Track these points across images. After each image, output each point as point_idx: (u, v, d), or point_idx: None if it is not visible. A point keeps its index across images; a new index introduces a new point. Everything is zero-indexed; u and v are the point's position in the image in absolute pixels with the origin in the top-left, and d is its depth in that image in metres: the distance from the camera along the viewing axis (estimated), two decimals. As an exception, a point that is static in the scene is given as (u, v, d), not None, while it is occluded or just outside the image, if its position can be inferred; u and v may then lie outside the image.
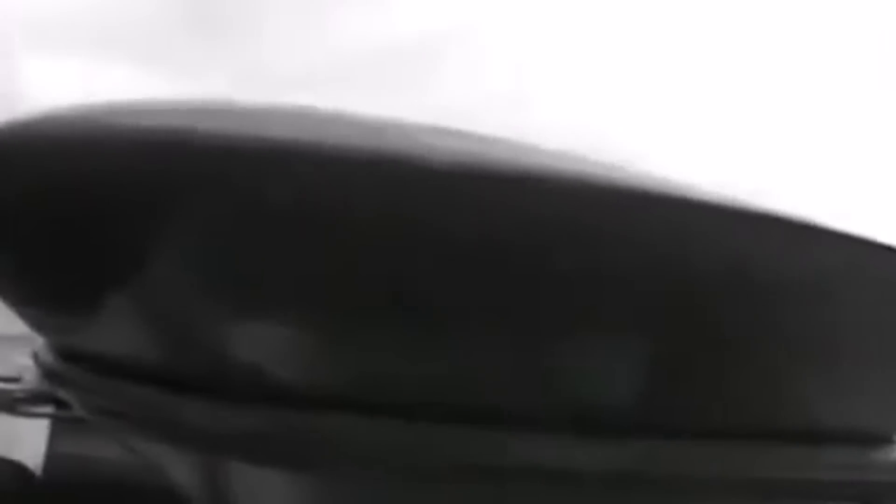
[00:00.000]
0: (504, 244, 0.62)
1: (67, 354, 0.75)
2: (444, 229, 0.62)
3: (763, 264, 0.66)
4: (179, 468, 0.75)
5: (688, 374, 0.67)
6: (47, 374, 0.79)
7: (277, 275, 0.62)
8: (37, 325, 0.75)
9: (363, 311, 0.64)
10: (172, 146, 0.61)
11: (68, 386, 0.78)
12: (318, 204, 0.61)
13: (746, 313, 0.66)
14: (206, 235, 0.62)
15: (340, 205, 0.61)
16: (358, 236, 0.61)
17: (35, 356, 0.80)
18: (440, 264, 0.62)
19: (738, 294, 0.66)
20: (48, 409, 1.18)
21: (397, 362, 0.65)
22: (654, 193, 0.64)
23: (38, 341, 0.80)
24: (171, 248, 0.64)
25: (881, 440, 0.75)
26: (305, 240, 0.61)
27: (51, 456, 1.20)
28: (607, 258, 0.63)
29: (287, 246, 0.62)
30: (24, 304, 0.71)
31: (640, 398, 0.67)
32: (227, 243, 0.62)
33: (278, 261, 0.62)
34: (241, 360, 0.66)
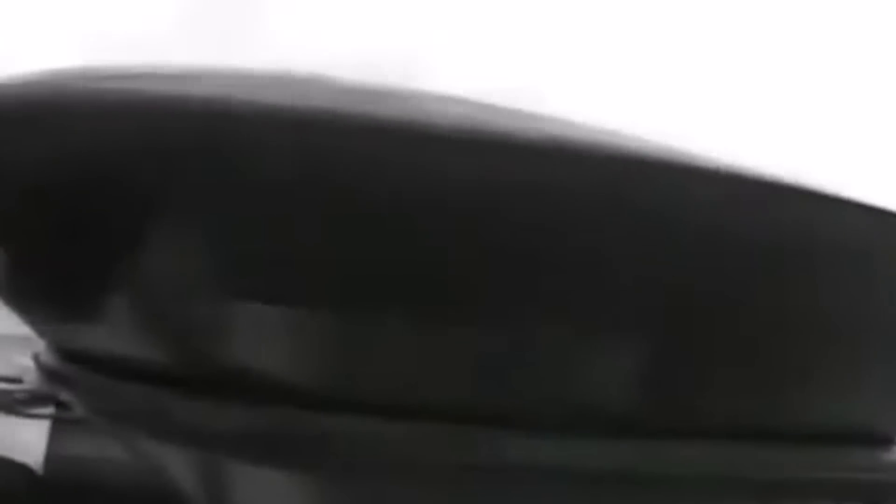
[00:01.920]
0: (510, 219, 0.60)
1: (68, 355, 0.75)
2: (456, 203, 0.60)
3: (784, 241, 0.64)
4: (180, 468, 0.75)
5: (689, 373, 0.67)
6: (48, 374, 0.79)
7: (275, 256, 0.61)
8: (36, 324, 0.75)
9: (362, 294, 0.62)
10: (165, 113, 0.59)
11: (69, 387, 0.78)
12: (316, 175, 0.59)
13: (756, 301, 0.65)
14: (202, 209, 0.61)
15: (340, 175, 0.59)
16: (361, 211, 0.60)
17: (36, 357, 0.80)
18: (447, 242, 0.61)
19: (751, 278, 0.64)
20: (49, 410, 1.18)
21: (398, 359, 0.65)
22: (676, 163, 0.62)
23: (39, 342, 0.80)
24: (165, 226, 0.62)
25: (884, 440, 0.75)
26: (303, 215, 0.60)
27: (51, 457, 1.20)
28: (617, 235, 0.61)
29: (284, 223, 0.60)
30: (20, 301, 0.71)
31: (639, 397, 0.67)
32: (221, 219, 0.61)
33: (275, 241, 0.61)
34: (240, 359, 0.66)
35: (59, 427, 1.19)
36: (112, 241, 0.63)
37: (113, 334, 0.69)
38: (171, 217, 0.61)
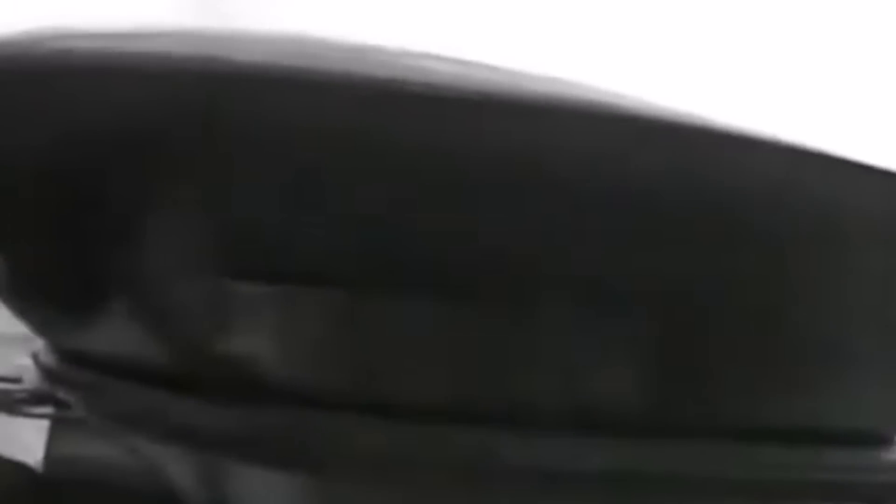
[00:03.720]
0: (512, 192, 0.57)
1: (67, 355, 0.75)
2: (458, 170, 0.57)
3: (794, 218, 0.61)
4: (179, 469, 0.75)
5: (690, 372, 0.67)
6: (47, 374, 0.79)
7: (272, 234, 0.59)
8: (35, 324, 0.75)
9: (356, 270, 0.60)
10: (160, 77, 0.55)
11: (69, 387, 0.78)
12: (312, 138, 0.56)
13: (760, 291, 0.64)
14: (195, 182, 0.58)
15: (343, 138, 0.56)
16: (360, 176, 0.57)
17: (35, 357, 0.80)
18: (449, 214, 0.58)
19: (757, 264, 0.62)
20: (48, 410, 1.18)
21: (398, 356, 0.64)
22: (682, 123, 0.58)
23: (39, 341, 0.80)
24: (164, 199, 0.59)
25: (884, 440, 0.75)
26: (301, 185, 0.57)
27: (50, 457, 1.19)
28: (621, 209, 0.58)
29: (279, 193, 0.58)
30: (19, 300, 0.71)
31: (639, 397, 0.67)
32: (215, 194, 0.58)
33: (271, 215, 0.58)
34: (239, 358, 0.65)
35: (59, 427, 1.19)
36: (109, 223, 0.61)
37: (112, 333, 0.69)
38: (168, 188, 0.59)
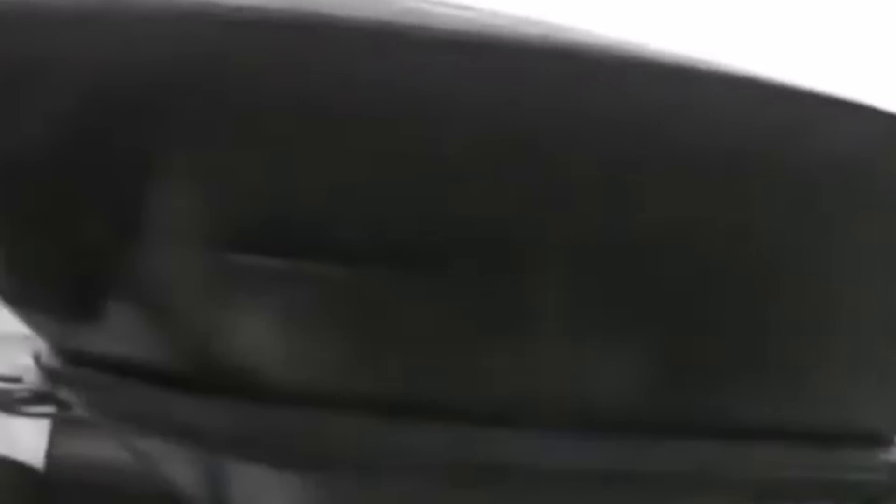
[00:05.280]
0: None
1: (69, 355, 0.75)
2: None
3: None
4: (180, 468, 0.75)
5: (690, 372, 0.67)
6: (48, 374, 0.79)
7: (274, 210, 0.57)
8: (35, 323, 0.75)
9: (355, 247, 0.58)
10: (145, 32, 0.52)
11: (70, 386, 0.78)
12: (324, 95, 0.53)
13: (761, 284, 0.63)
14: (197, 152, 0.55)
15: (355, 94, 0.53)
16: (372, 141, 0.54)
17: (36, 356, 0.80)
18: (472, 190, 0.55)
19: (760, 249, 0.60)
20: (49, 410, 1.18)
21: (398, 354, 0.64)
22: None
23: (39, 341, 0.80)
24: (162, 169, 0.56)
25: (883, 441, 0.75)
26: (309, 149, 0.55)
27: (51, 456, 1.20)
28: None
29: (284, 164, 0.55)
30: (19, 298, 0.71)
31: (638, 396, 0.67)
32: (219, 161, 0.55)
33: (273, 188, 0.56)
34: (239, 356, 0.65)
35: (60, 426, 1.19)
36: (107, 208, 0.60)
37: (113, 331, 0.69)
38: (168, 155, 0.56)
